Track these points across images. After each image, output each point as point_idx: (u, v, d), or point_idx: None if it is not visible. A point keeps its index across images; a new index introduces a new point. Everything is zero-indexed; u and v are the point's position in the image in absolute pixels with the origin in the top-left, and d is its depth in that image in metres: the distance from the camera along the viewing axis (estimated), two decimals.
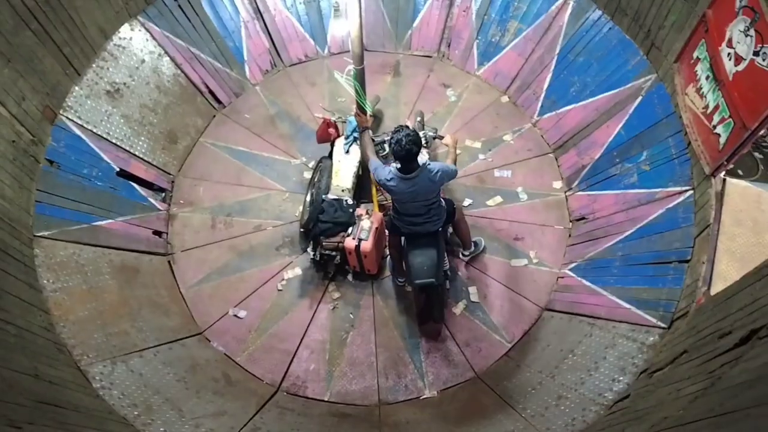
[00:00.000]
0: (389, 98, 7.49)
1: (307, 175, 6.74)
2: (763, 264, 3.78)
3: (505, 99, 7.39)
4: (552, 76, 6.89)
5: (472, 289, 6.00)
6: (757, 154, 6.75)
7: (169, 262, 6.26)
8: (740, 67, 4.44)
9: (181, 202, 6.68)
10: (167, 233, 6.45)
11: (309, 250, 5.98)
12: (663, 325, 4.74)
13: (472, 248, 6.12)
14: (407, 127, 4.59)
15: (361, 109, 5.14)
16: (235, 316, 5.95)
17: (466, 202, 6.60)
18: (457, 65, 7.74)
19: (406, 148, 4.39)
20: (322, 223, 5.73)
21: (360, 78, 4.88)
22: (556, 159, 6.81)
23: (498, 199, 6.60)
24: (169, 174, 6.75)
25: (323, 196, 5.95)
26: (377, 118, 7.26)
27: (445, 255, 5.59)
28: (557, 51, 6.82)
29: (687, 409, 3.00)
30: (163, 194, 6.62)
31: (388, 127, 7.13)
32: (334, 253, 5.83)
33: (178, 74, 6.94)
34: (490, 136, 7.09)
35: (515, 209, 6.53)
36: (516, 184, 6.70)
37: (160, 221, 6.44)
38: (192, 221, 6.57)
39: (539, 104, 7.04)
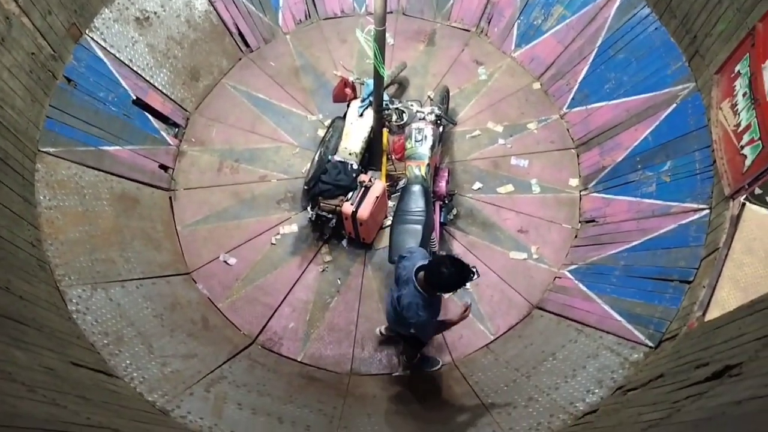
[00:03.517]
0: (418, 67, 7.28)
1: (322, 132, 6.62)
2: (759, 299, 3.62)
3: (536, 86, 7.11)
4: (588, 69, 6.59)
5: None
6: None
7: (170, 198, 6.25)
8: None
9: (193, 140, 6.64)
10: (173, 169, 6.43)
11: (308, 209, 5.91)
12: (650, 343, 4.58)
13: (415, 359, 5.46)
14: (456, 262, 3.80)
15: (376, 73, 4.97)
16: (225, 262, 5.94)
17: (476, 185, 6.44)
18: (494, 43, 7.45)
19: (444, 281, 3.77)
20: (322, 184, 5.63)
21: (380, 40, 4.67)
22: (578, 156, 6.57)
23: (510, 187, 6.41)
24: (186, 110, 6.69)
25: (330, 157, 5.84)
26: (402, 85, 7.09)
27: (434, 236, 5.46)
28: (598, 44, 6.50)
29: None
30: (176, 130, 6.58)
31: (411, 96, 6.99)
32: (330, 216, 5.75)
33: (210, 11, 6.83)
34: (514, 122, 6.86)
35: (525, 201, 6.34)
36: (531, 175, 6.50)
37: (169, 156, 6.42)
38: (200, 161, 6.53)
39: (570, 96, 6.76)
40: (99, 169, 5.50)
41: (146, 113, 6.20)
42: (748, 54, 4.56)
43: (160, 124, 6.37)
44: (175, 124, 6.57)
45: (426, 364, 5.49)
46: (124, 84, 5.92)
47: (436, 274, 3.74)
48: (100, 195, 5.40)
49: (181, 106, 6.63)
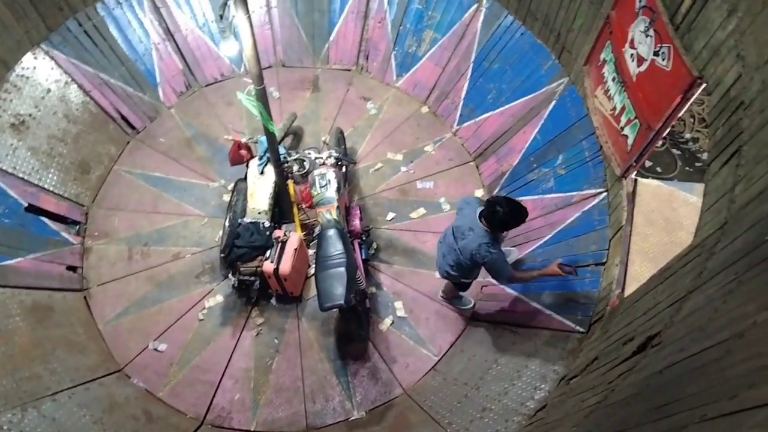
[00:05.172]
0: (309, 114, 7.39)
1: (227, 198, 6.57)
2: (665, 267, 3.80)
3: (425, 109, 7.37)
4: (469, 84, 6.89)
5: (398, 304, 5.93)
6: (675, 151, 6.85)
7: (84, 297, 6.04)
8: (642, 68, 4.46)
9: (96, 234, 6.46)
10: (82, 268, 6.22)
11: (229, 276, 5.84)
12: (581, 329, 4.74)
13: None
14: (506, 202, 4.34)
15: (267, 130, 5.01)
16: (156, 349, 5.76)
17: (389, 216, 6.55)
18: (376, 77, 7.69)
19: (498, 219, 4.30)
20: (237, 248, 5.56)
21: (262, 98, 4.74)
22: (477, 167, 6.81)
23: (421, 210, 6.56)
24: (82, 206, 6.52)
25: (240, 220, 5.79)
26: (296, 135, 7.16)
27: (359, 274, 5.51)
28: (472, 59, 6.81)
29: (580, 425, 2.95)
30: (77, 227, 6.40)
31: (308, 144, 7.06)
32: (252, 278, 5.68)
33: (87, 101, 6.71)
34: (412, 148, 7.06)
35: (439, 220, 6.47)
36: (438, 194, 6.68)
37: (74, 256, 6.22)
38: (108, 253, 6.35)
39: (458, 113, 7.03)
40: (4, 286, 5.29)
41: (42, 218, 6.00)
42: (609, 41, 4.86)
43: (59, 225, 6.18)
44: (75, 222, 6.39)
45: (459, 302, 5.85)
46: (12, 193, 5.73)
47: (492, 215, 4.30)
48: (10, 312, 5.18)
49: (76, 203, 6.46)
